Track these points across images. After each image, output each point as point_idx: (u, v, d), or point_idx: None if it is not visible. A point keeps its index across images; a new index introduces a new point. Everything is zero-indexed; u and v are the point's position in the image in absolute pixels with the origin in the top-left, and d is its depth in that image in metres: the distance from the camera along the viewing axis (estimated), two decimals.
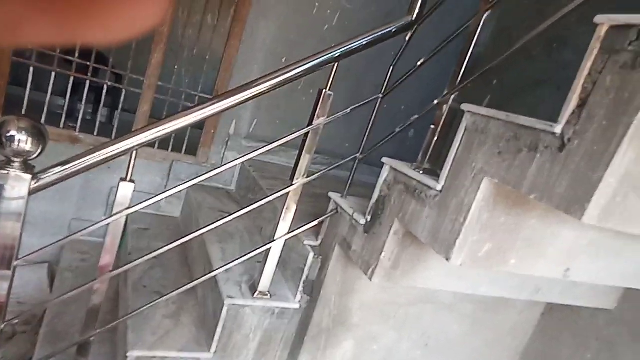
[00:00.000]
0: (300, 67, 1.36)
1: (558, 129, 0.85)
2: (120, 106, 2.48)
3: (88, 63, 2.38)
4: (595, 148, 0.78)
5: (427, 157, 1.28)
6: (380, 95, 1.51)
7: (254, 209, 1.43)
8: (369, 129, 1.55)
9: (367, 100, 1.50)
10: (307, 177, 1.52)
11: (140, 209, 1.25)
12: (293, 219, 1.53)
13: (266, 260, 1.53)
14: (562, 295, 1.71)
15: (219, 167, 1.36)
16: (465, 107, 1.09)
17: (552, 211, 1.05)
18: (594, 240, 1.18)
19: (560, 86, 2.17)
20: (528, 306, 1.91)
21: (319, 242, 1.65)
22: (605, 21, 0.80)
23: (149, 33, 0.19)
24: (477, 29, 1.20)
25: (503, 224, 1.06)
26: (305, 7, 2.61)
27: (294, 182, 1.50)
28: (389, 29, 1.44)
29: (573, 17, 2.08)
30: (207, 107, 1.24)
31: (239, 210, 1.42)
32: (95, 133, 2.44)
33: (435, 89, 2.99)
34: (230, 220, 1.40)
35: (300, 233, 1.57)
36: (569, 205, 0.80)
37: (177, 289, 1.42)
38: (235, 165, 2.27)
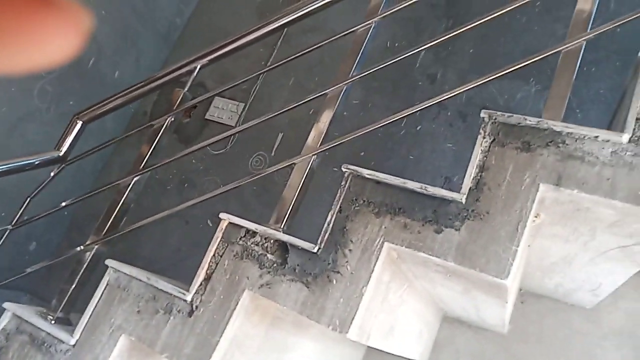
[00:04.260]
0: None
1: (189, 297, 1.04)
2: None
3: None
4: (215, 316, 1.01)
5: (63, 303, 1.23)
6: (10, 227, 1.37)
7: None
8: None
9: None
10: None
11: None
12: None
13: None
14: None
15: None
16: (109, 262, 1.16)
17: None
18: None
19: (188, 221, 2.54)
20: None
21: None
22: (226, 218, 1.09)
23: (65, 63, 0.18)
24: (128, 188, 1.33)
25: None
26: None
27: None
28: (31, 161, 1.38)
29: (201, 166, 2.50)
30: None
31: None
32: None
33: None
34: None
35: None
36: None
37: None
38: None
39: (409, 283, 1.16)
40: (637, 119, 0.85)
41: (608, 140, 0.86)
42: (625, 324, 1.47)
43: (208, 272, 1.06)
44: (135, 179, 1.32)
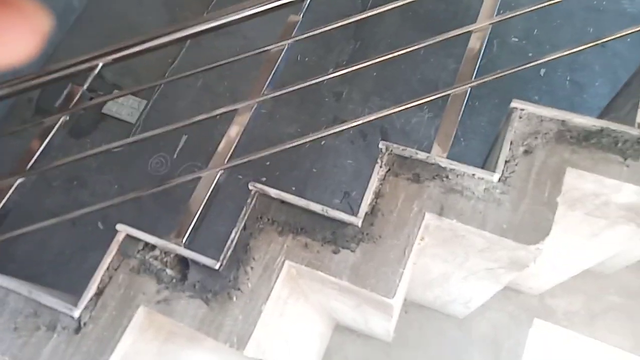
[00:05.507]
0: None
1: (76, 312, 0.98)
2: None
3: None
4: (105, 333, 0.96)
5: None
6: None
7: None
8: None
9: None
10: None
11: None
12: None
13: None
14: None
15: None
16: None
17: None
18: None
19: (75, 222, 2.34)
20: None
21: None
22: (123, 230, 1.05)
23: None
24: (10, 189, 1.21)
25: None
26: None
27: None
28: None
29: (94, 163, 2.35)
30: None
31: None
32: None
33: None
34: None
35: None
36: None
37: None
38: None
39: (305, 297, 1.21)
40: (505, 161, 1.00)
41: (482, 178, 0.99)
42: (489, 332, 1.68)
43: (100, 286, 1.01)
44: (19, 180, 1.20)
